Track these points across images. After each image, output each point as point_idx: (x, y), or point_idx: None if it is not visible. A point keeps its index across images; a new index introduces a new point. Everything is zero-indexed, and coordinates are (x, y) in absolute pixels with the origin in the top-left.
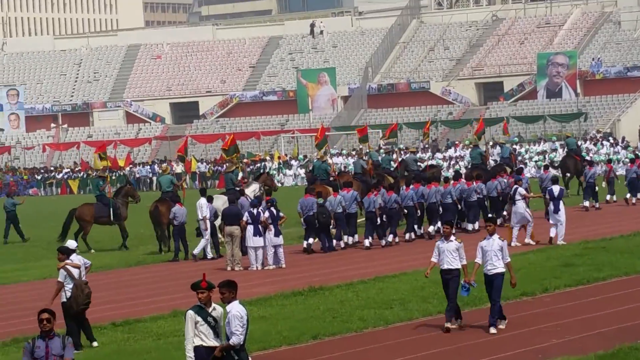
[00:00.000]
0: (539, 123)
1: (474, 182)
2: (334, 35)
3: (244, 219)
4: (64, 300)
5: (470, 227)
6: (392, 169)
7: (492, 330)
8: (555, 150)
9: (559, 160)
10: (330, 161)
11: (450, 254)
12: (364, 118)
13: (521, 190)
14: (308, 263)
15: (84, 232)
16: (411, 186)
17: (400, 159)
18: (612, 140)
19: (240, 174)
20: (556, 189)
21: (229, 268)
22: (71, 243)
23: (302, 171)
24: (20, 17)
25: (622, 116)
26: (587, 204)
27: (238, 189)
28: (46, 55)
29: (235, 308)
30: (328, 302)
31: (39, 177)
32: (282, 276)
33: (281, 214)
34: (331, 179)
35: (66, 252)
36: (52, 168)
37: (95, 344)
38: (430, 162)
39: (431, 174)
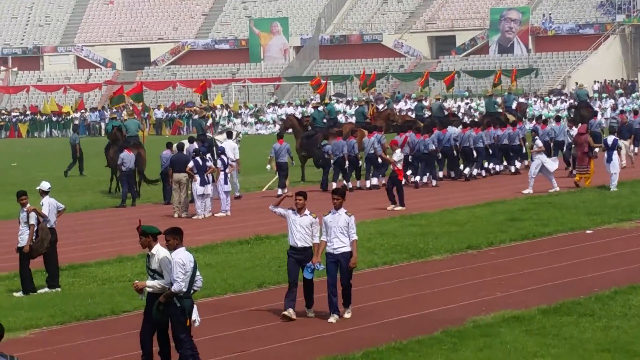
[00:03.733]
0: (489, 78)
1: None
2: None
3: (189, 166)
4: (23, 244)
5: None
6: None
7: (332, 319)
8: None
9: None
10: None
11: (303, 229)
12: (315, 69)
13: (538, 142)
14: (255, 211)
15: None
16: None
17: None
18: (562, 97)
19: (210, 121)
20: (610, 139)
21: (176, 215)
22: (44, 184)
23: (252, 119)
24: None
25: (573, 73)
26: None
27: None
28: None
29: (179, 255)
30: (274, 251)
31: None
32: (229, 224)
33: (208, 164)
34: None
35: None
36: (2, 111)
37: (58, 289)
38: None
39: (452, 121)
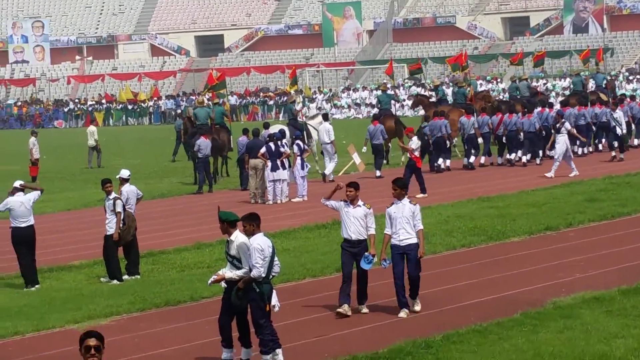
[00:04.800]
0: (565, 58)
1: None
2: None
3: (262, 151)
4: (110, 232)
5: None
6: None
7: (402, 314)
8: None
9: None
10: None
11: (357, 220)
12: (389, 52)
13: (567, 125)
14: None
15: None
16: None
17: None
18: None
19: (300, 105)
20: None
21: (252, 201)
22: (124, 172)
23: (327, 105)
24: None
25: None
26: None
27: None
28: None
29: (257, 241)
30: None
31: (65, 110)
32: (306, 209)
33: (282, 150)
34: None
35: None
36: (77, 100)
37: (138, 277)
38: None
39: (540, 100)
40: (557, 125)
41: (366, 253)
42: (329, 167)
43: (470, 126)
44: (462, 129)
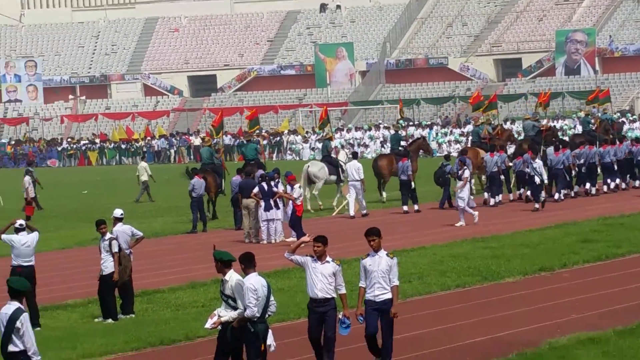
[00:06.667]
0: (557, 100)
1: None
2: (352, 11)
3: (254, 191)
4: (106, 273)
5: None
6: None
7: None
8: (574, 127)
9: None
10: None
11: (325, 278)
12: (381, 93)
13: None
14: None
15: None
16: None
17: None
18: (630, 117)
19: (333, 144)
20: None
21: (247, 240)
22: (117, 211)
23: (319, 145)
24: None
25: None
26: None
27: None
28: (64, 27)
29: (250, 280)
30: (347, 275)
31: (59, 149)
32: (300, 249)
33: (275, 189)
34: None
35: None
36: (70, 139)
37: (132, 315)
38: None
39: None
40: (459, 172)
41: (340, 316)
42: (361, 205)
43: (492, 164)
44: (485, 166)
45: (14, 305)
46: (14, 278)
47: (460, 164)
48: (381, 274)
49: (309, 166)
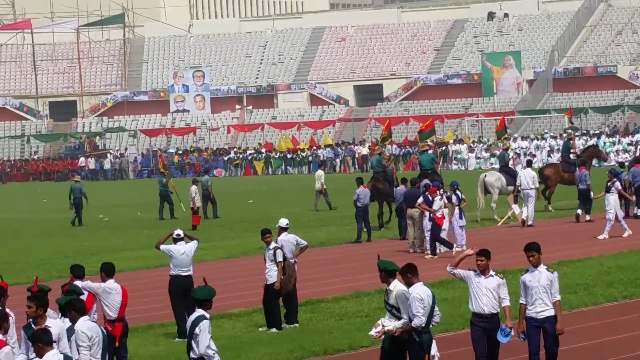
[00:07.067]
0: None
1: None
2: (520, 19)
3: (419, 201)
4: (271, 282)
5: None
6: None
7: None
8: None
9: None
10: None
11: (489, 292)
12: (549, 102)
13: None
14: (489, 245)
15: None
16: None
17: None
18: None
19: (511, 153)
20: None
21: (411, 250)
22: (282, 221)
23: (486, 154)
24: (206, 0)
25: None
26: None
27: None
28: (232, 38)
29: (416, 290)
30: (509, 286)
31: (225, 158)
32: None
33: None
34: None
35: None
36: (236, 149)
37: (296, 325)
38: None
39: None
40: (609, 184)
41: (502, 325)
42: (529, 213)
43: (579, 180)
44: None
45: (197, 312)
46: (198, 288)
47: (610, 176)
48: (542, 289)
49: (485, 175)
